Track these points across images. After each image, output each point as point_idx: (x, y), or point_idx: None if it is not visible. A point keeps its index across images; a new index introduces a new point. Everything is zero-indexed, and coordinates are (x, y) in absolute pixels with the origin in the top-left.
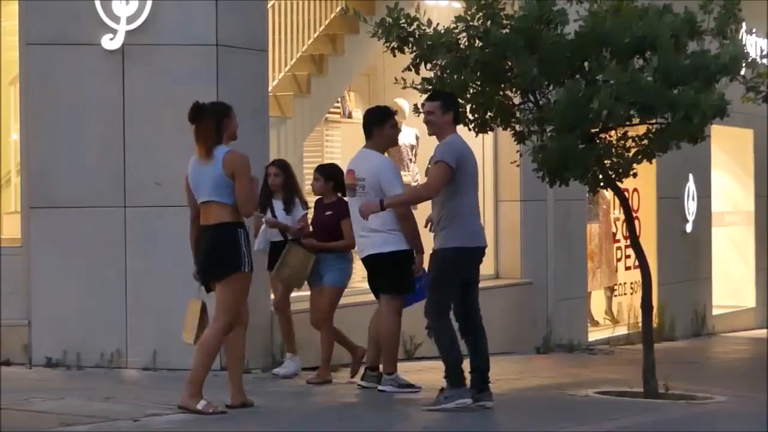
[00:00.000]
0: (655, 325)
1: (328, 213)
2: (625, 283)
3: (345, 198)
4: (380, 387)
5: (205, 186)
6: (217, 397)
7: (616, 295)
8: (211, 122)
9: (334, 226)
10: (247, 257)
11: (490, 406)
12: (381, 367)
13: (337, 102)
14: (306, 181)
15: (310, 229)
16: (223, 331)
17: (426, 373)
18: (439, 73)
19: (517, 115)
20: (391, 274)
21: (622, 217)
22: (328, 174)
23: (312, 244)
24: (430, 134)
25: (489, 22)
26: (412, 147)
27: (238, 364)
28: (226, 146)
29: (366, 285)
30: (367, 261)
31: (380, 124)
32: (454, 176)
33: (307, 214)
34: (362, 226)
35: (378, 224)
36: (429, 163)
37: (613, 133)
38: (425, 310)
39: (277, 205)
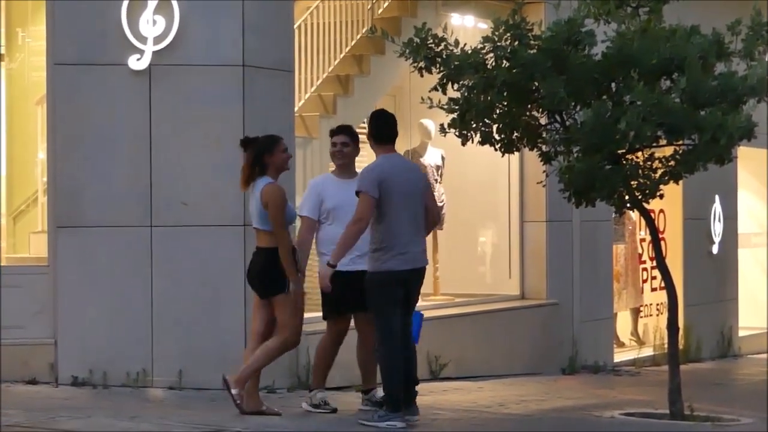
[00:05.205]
0: (681, 346)
1: None
2: (651, 305)
3: None
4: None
5: (252, 214)
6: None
7: (642, 317)
8: (250, 156)
9: None
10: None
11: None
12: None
13: (363, 122)
14: None
15: None
16: (283, 344)
17: (451, 394)
18: (465, 93)
19: (544, 135)
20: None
21: (648, 237)
22: None
23: None
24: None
25: (516, 43)
26: (438, 167)
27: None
28: (269, 178)
29: None
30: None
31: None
32: (380, 201)
33: None
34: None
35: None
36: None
37: (639, 154)
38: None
39: None
